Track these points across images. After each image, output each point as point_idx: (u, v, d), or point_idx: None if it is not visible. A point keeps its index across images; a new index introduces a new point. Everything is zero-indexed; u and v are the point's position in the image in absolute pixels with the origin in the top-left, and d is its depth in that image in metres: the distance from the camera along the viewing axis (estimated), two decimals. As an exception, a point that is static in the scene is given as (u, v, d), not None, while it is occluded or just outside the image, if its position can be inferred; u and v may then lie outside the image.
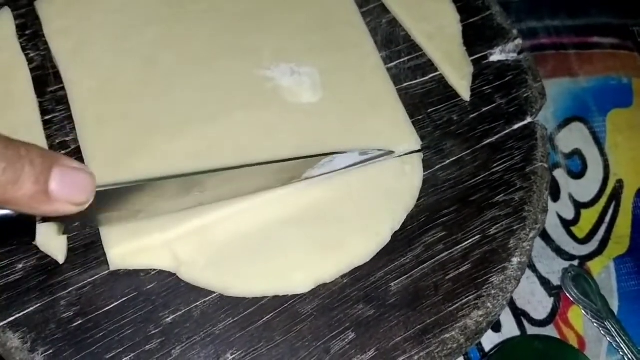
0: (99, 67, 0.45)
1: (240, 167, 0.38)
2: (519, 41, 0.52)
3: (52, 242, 0.39)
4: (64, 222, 0.34)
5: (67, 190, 0.28)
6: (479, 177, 0.46)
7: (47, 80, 0.45)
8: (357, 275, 0.41)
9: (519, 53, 0.51)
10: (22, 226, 0.37)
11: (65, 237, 0.40)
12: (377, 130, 0.45)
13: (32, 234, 0.39)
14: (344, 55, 0.48)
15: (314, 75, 0.46)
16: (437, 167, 0.46)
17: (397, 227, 0.43)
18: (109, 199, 0.33)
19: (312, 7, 0.49)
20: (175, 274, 0.40)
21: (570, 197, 0.54)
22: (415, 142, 0.45)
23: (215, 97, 0.45)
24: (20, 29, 0.47)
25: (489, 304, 0.41)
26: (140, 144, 0.42)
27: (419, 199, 0.44)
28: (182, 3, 0.48)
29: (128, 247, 0.39)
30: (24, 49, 0.46)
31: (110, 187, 0.32)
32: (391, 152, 0.44)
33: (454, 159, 0.46)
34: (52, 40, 0.46)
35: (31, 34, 0.47)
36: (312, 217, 0.42)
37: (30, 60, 0.46)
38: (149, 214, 0.38)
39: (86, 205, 0.29)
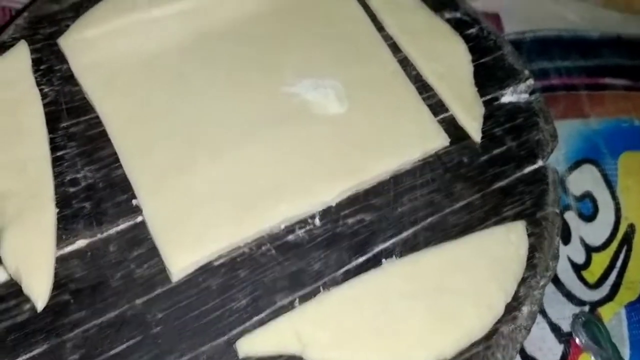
0: (132, 96, 0.46)
1: None
2: (530, 81, 0.51)
3: (35, 286, 0.38)
4: None
5: None
6: (488, 222, 0.45)
7: (60, 116, 0.46)
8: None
9: (531, 93, 0.51)
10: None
11: (50, 282, 0.39)
12: (406, 132, 0.47)
13: None
14: (363, 65, 0.49)
15: (337, 87, 0.48)
16: (447, 210, 0.45)
17: (509, 299, 0.41)
18: None
19: (325, 22, 0.51)
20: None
21: (581, 240, 0.53)
22: (443, 139, 0.47)
23: (248, 116, 0.46)
24: (36, 64, 0.47)
25: (498, 355, 0.40)
26: (185, 166, 0.44)
27: (428, 244, 0.44)
28: (198, 30, 0.50)
29: (258, 337, 0.39)
30: (38, 83, 0.46)
31: None
32: None
33: (464, 202, 0.46)
34: (82, 77, 0.47)
35: (46, 69, 0.47)
36: (428, 289, 0.41)
37: (44, 96, 0.46)
38: None
39: None
